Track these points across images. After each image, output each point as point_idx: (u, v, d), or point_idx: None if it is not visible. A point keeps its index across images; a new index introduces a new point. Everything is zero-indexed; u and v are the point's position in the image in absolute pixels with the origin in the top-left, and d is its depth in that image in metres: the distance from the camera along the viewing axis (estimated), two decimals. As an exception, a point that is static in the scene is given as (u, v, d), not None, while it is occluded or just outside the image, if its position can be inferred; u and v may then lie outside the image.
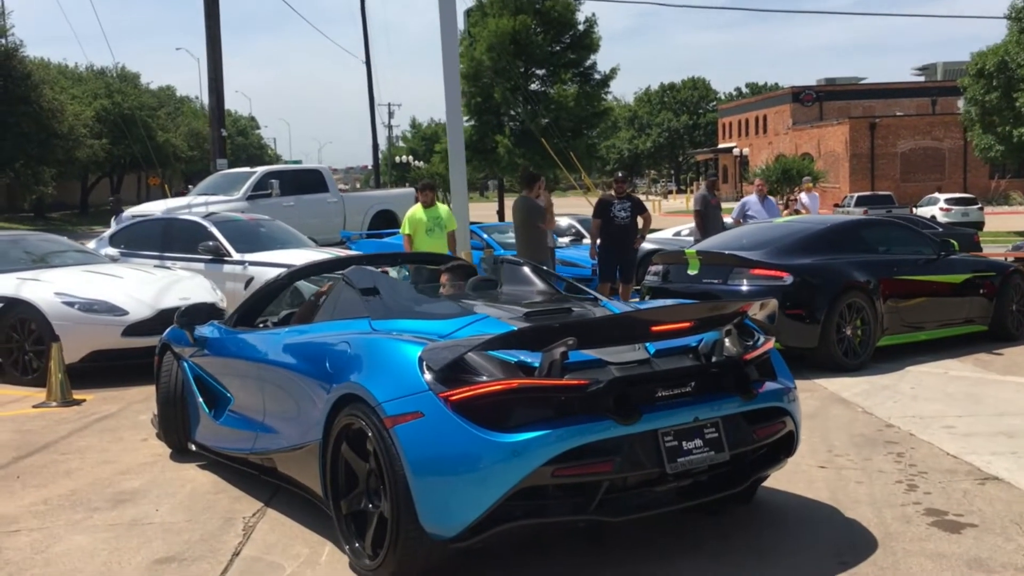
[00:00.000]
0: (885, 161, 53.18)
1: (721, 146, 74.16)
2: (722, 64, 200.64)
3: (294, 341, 4.80)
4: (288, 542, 4.49)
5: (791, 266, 8.18)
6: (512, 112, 40.02)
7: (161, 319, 8.82)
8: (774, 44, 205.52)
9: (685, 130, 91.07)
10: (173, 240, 11.98)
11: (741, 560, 4.03)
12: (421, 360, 3.74)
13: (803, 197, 16.01)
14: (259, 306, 5.91)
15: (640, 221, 11.97)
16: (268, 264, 11.23)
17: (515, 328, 3.87)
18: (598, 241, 11.81)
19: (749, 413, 4.01)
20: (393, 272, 7.50)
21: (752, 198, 14.30)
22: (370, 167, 56.26)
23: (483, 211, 41.20)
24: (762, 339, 4.30)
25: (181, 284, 9.63)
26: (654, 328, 3.86)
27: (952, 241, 9.70)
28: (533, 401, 3.59)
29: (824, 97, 62.70)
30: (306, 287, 8.01)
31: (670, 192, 79.36)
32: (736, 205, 14.81)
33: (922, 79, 70.44)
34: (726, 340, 4.09)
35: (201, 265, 11.31)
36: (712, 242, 9.56)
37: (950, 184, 50.11)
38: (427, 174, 48.40)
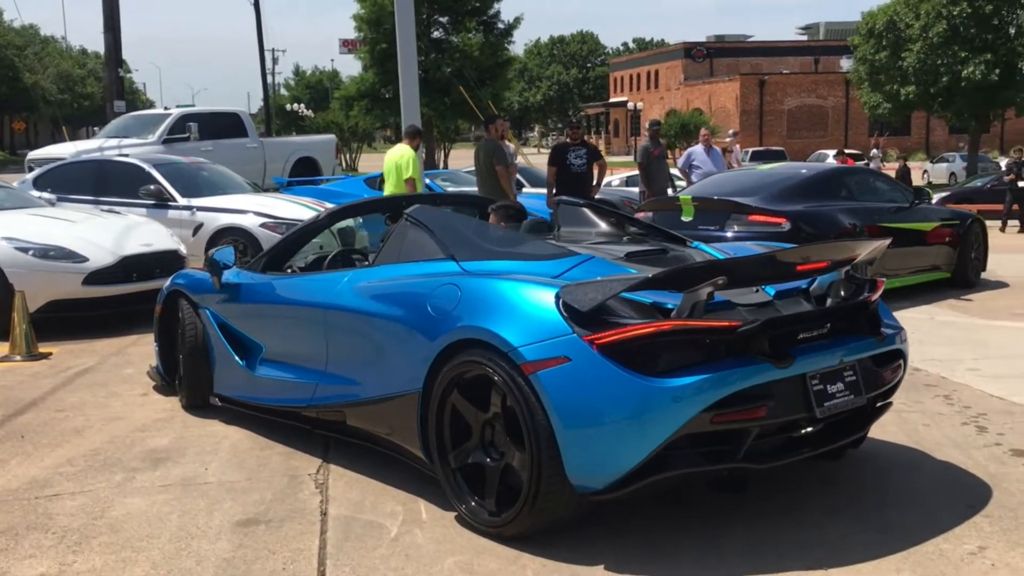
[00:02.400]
0: (773, 118, 54.72)
1: (613, 100, 74.75)
2: (611, 19, 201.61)
3: (370, 284, 4.41)
4: (375, 499, 4.17)
5: (787, 212, 8.20)
6: (421, 59, 39.15)
7: (124, 266, 8.25)
8: (664, 0, 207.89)
9: (575, 83, 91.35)
10: (109, 184, 11.16)
11: (874, 505, 3.96)
12: (560, 301, 3.48)
13: (737, 149, 16.17)
14: (291, 250, 5.48)
15: (596, 168, 11.83)
16: (218, 210, 10.64)
17: (669, 268, 3.65)
18: (554, 190, 11.58)
19: (878, 356, 3.93)
20: (351, 222, 7.14)
21: (698, 148, 14.33)
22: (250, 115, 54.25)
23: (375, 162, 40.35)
24: (870, 282, 4.18)
25: (140, 229, 8.98)
26: (800, 267, 3.68)
27: (927, 190, 9.92)
28: (684, 344, 3.40)
29: (714, 54, 63.84)
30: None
31: (561, 145, 79.50)
32: (682, 156, 14.84)
33: (805, 38, 72.56)
34: (841, 283, 3.97)
35: (143, 210, 10.59)
36: (703, 188, 9.49)
37: (832, 141, 51.94)
38: (322, 123, 47.08)
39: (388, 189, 10.71)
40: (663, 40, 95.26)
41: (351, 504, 4.14)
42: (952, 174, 39.15)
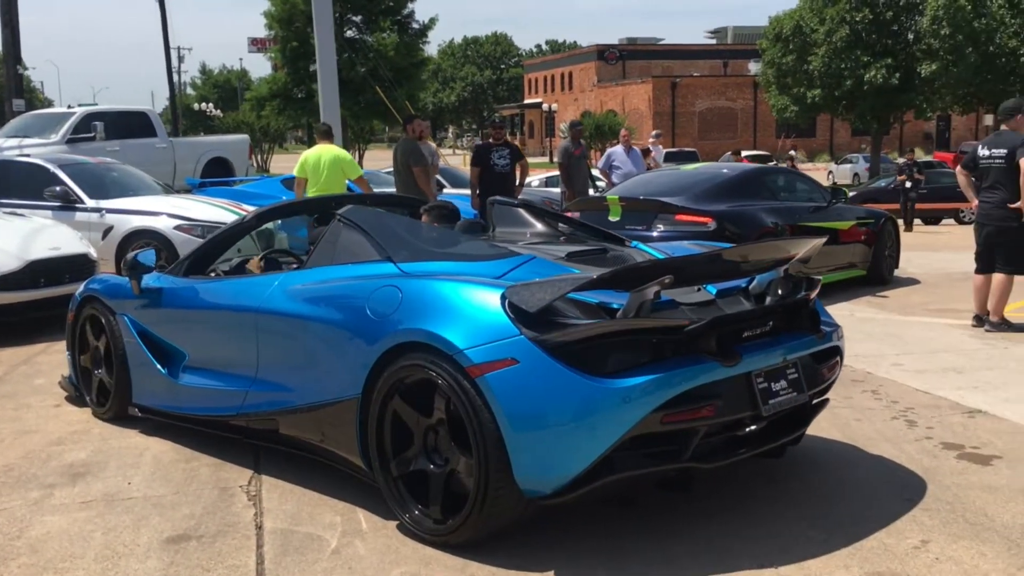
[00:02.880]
0: (685, 119, 55.66)
1: (527, 101, 75.03)
2: (524, 20, 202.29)
3: (304, 287, 4.24)
4: (312, 510, 4.02)
5: (712, 211, 8.28)
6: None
7: (31, 272, 7.86)
8: (574, 3, 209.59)
9: (489, 85, 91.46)
10: (10, 185, 10.62)
11: (817, 501, 3.99)
12: (506, 302, 3.40)
13: (660, 148, 16.34)
14: (215, 253, 5.26)
15: (519, 168, 11.78)
16: (129, 212, 10.24)
17: (616, 268, 3.61)
18: (478, 191, 11.49)
19: (818, 353, 3.97)
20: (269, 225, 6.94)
21: (618, 149, 14.38)
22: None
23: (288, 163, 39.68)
24: (807, 280, 4.17)
25: (47, 232, 8.56)
26: (744, 266, 3.70)
27: (843, 189, 10.15)
28: (631, 344, 3.36)
29: (627, 56, 64.64)
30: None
31: (476, 146, 79.49)
32: (602, 157, 14.90)
33: (714, 42, 74.07)
34: (780, 281, 3.97)
35: (48, 213, 10.12)
36: (629, 188, 9.52)
37: (742, 142, 53.11)
38: (232, 123, 45.99)
39: (314, 190, 10.45)
40: (575, 42, 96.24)
41: (287, 516, 3.98)
42: (856, 175, 40.43)
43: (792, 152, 17.05)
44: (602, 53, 64.64)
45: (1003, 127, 7.67)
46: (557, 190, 14.70)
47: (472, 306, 3.49)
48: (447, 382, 3.42)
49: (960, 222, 22.47)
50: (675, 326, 3.41)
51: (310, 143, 40.48)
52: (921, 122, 47.64)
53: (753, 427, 3.67)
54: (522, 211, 5.06)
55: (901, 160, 22.50)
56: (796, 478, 4.28)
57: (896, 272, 10.60)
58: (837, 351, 4.13)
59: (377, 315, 3.74)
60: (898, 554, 3.45)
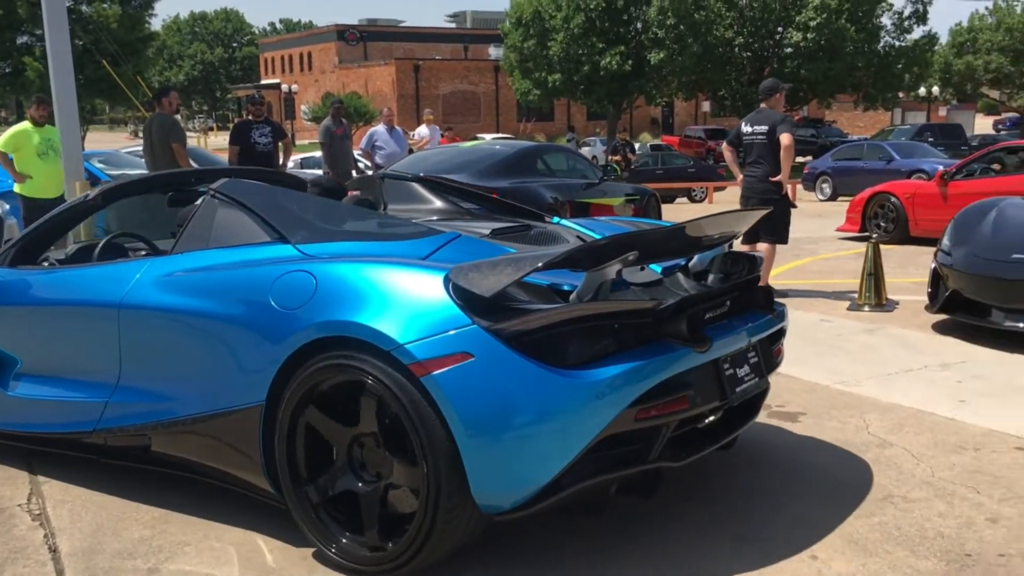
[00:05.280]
0: (429, 102, 55.75)
1: (265, 82, 72.32)
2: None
3: (179, 276, 3.54)
4: (116, 525, 3.50)
5: (495, 188, 8.23)
6: (40, 31, 35.19)
7: None
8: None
9: (221, 63, 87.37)
10: None
11: (769, 494, 3.82)
12: (451, 286, 2.89)
13: (423, 129, 16.16)
14: (49, 239, 4.50)
15: (281, 147, 11.24)
16: None
17: (580, 244, 3.19)
18: (239, 169, 10.83)
19: (773, 334, 3.67)
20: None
21: (380, 129, 14.07)
22: None
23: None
24: (749, 256, 3.87)
25: None
26: (705, 242, 3.38)
27: (614, 165, 10.47)
28: (594, 331, 2.92)
29: (368, 37, 63.89)
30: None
31: (211, 128, 75.84)
32: (364, 137, 14.53)
33: (454, 26, 74.93)
34: (723, 258, 3.70)
35: None
36: (409, 166, 9.26)
37: (485, 126, 54.28)
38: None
39: (44, 169, 9.36)
40: (311, 22, 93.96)
41: (85, 535, 3.44)
42: (594, 157, 42.45)
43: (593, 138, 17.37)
44: (342, 33, 63.48)
45: (762, 105, 8.16)
46: (315, 172, 14.19)
47: (408, 292, 2.95)
48: (382, 383, 2.89)
49: (692, 200, 24.16)
50: (643, 309, 3.03)
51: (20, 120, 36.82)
52: (649, 107, 50.73)
53: (712, 418, 3.35)
54: (417, 186, 4.60)
55: (615, 142, 23.42)
56: (735, 474, 4.20)
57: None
58: (783, 332, 3.81)
59: (284, 306, 3.13)
60: (762, 520, 3.48)
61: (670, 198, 24.32)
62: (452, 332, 2.82)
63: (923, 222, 11.03)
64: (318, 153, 15.99)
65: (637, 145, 33.18)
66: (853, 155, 22.68)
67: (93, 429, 3.75)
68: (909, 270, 9.21)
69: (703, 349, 3.07)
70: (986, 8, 45.36)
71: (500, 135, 43.93)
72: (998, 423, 4.48)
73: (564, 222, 4.27)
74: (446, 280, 2.90)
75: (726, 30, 36.11)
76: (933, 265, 6.71)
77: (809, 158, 31.55)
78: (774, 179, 7.79)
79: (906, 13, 37.09)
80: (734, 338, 3.30)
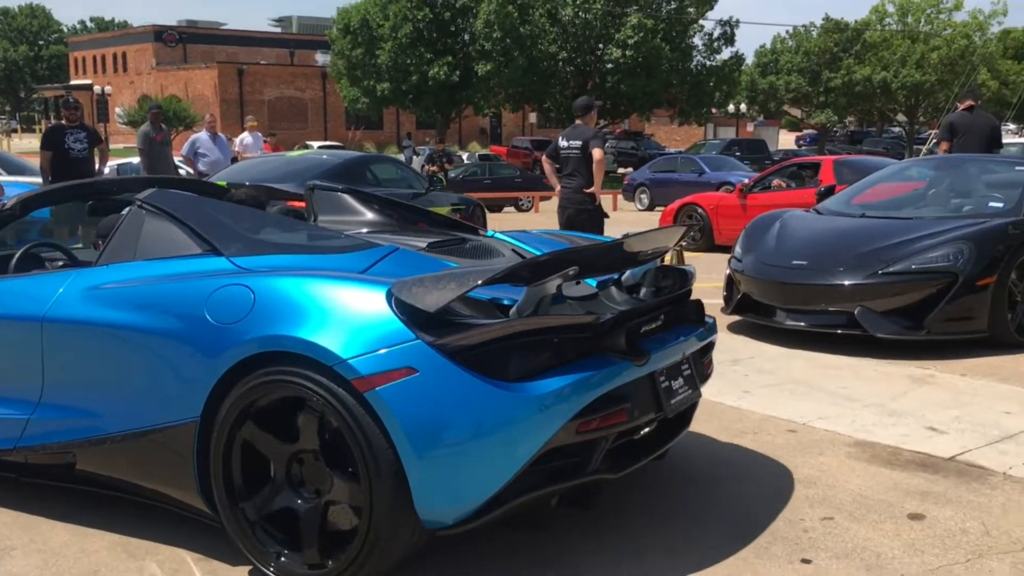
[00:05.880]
0: (254, 107, 54.51)
1: (74, 82, 68.54)
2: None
3: (107, 289, 3.46)
4: (120, 555, 3.36)
5: (323, 198, 8.38)
6: None
7: None
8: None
9: (25, 62, 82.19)
10: None
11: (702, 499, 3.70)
12: (393, 300, 2.89)
13: (246, 137, 15.95)
14: None
15: (97, 153, 10.94)
16: None
17: (521, 259, 3.27)
18: (50, 177, 10.48)
19: (704, 347, 3.76)
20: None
21: (203, 135, 13.81)
22: None
23: None
24: (681, 271, 3.98)
25: None
26: (641, 256, 3.47)
27: (439, 176, 10.78)
28: (534, 345, 2.97)
29: (188, 39, 61.82)
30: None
31: (14, 130, 71.17)
32: (186, 143, 14.23)
33: (279, 30, 73.51)
34: (654, 272, 3.77)
35: None
36: (236, 174, 9.23)
37: (312, 133, 53.63)
38: None
39: None
40: (126, 21, 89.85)
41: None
42: (423, 166, 42.76)
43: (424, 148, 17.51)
44: (160, 34, 61.14)
45: (578, 121, 8.68)
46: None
47: (350, 307, 2.95)
48: (323, 399, 2.88)
49: (519, 210, 24.85)
50: (583, 323, 3.10)
51: None
52: (477, 118, 51.53)
53: (646, 430, 3.43)
54: (347, 197, 4.57)
55: (430, 150, 23.59)
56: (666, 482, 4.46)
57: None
58: (713, 344, 3.88)
59: (221, 321, 3.09)
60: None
61: (498, 207, 24.88)
62: (396, 347, 2.83)
63: (726, 231, 11.93)
64: (136, 159, 15.50)
65: (465, 155, 33.73)
66: (669, 167, 24.03)
67: (13, 447, 3.64)
68: (712, 275, 9.98)
69: (642, 362, 3.14)
70: (787, 32, 48.69)
71: (328, 143, 43.53)
72: (775, 410, 5.07)
73: (498, 235, 4.34)
74: (388, 295, 2.91)
75: (550, 44, 37.30)
76: (728, 271, 7.38)
77: (629, 170, 33.08)
78: (588, 191, 8.32)
79: (716, 35, 39.50)
80: (669, 351, 3.37)
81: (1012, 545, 3.37)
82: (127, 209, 3.77)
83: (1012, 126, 59.23)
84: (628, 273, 3.67)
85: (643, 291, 3.63)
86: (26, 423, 3.59)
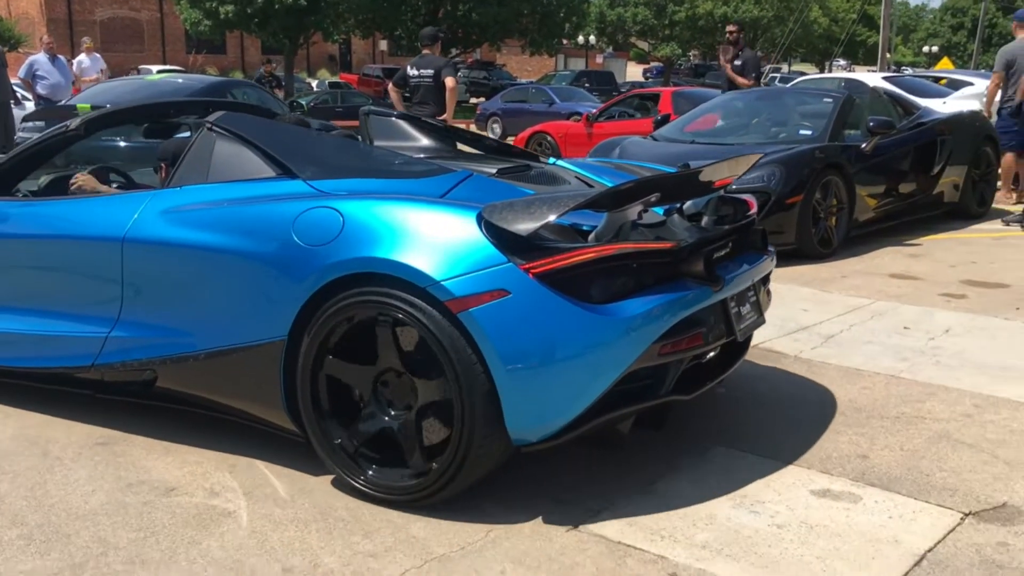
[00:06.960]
0: (85, 28, 51.45)
1: None
2: None
3: (186, 210, 3.49)
4: (194, 469, 3.44)
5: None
6: None
7: None
8: None
9: None
10: None
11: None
12: (484, 224, 2.96)
13: (83, 59, 15.37)
14: (26, 169, 4.29)
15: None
16: None
17: (609, 188, 3.26)
18: None
19: (768, 274, 3.84)
20: None
21: (41, 57, 13.38)
22: None
23: None
24: (739, 200, 3.98)
25: None
26: (718, 183, 3.53)
27: (300, 101, 10.87)
28: (615, 270, 3.04)
29: (8, -48, 57.37)
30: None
31: None
32: (23, 65, 13.67)
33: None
34: (718, 201, 3.79)
35: None
36: (95, 97, 9.11)
37: (150, 56, 51.22)
38: None
39: None
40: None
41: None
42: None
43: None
44: (-24, -54, 56.51)
45: (425, 51, 9.04)
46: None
47: (442, 230, 3.01)
48: (416, 320, 2.95)
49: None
50: (667, 248, 3.15)
51: None
52: (327, 44, 50.41)
53: (712, 354, 3.57)
54: (402, 122, 4.56)
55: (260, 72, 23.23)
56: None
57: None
58: (771, 274, 3.93)
59: (309, 242, 3.15)
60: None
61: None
62: (489, 270, 2.90)
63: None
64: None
65: (315, 83, 33.17)
66: (520, 98, 24.56)
67: (91, 364, 3.71)
68: (559, 199, 10.62)
69: (718, 288, 3.21)
70: (635, -37, 49.67)
71: (168, 67, 41.67)
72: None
73: (560, 163, 4.38)
74: (479, 218, 2.97)
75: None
76: (572, 192, 7.98)
77: (482, 99, 33.39)
78: (440, 118, 8.73)
79: (565, -36, 39.86)
80: (739, 278, 3.43)
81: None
82: (198, 132, 3.79)
83: (842, 62, 62.68)
84: (690, 202, 3.70)
85: (704, 219, 3.62)
86: (104, 341, 3.66)
